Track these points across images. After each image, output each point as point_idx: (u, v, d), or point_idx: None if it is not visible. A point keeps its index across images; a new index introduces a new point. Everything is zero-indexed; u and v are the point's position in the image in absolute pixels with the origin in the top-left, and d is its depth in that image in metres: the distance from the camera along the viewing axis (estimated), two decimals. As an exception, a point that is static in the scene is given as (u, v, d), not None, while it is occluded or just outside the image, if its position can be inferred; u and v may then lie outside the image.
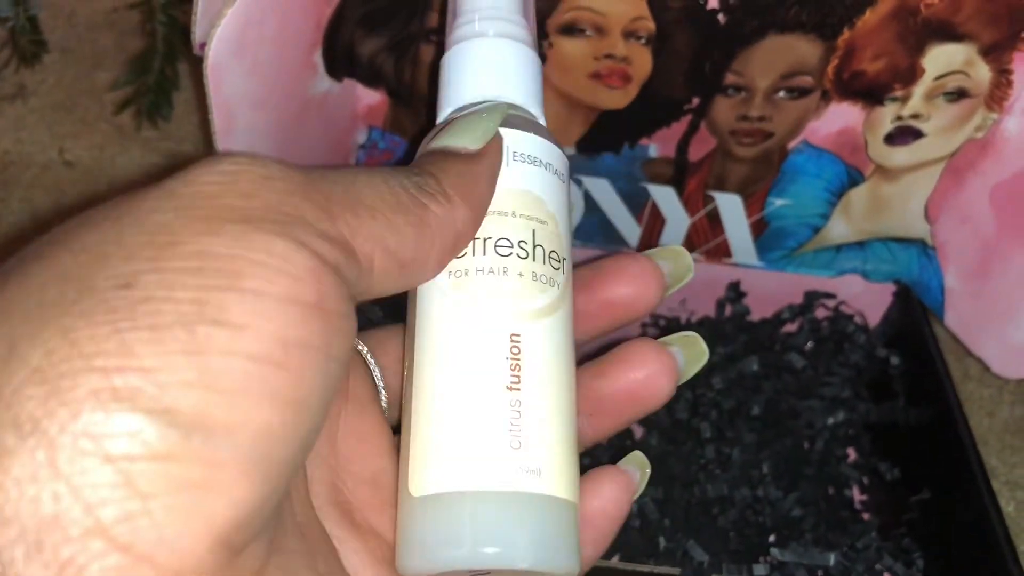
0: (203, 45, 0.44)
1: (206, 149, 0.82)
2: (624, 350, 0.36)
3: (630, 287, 0.37)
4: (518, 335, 0.32)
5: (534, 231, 0.33)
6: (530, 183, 0.34)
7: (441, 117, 0.37)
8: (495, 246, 0.33)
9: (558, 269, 0.34)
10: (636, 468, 0.37)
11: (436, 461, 0.30)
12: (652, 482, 0.56)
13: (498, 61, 0.36)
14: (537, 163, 0.35)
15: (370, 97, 0.56)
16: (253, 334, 0.23)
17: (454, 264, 0.33)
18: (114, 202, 0.27)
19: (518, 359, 0.31)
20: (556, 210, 0.35)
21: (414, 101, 0.56)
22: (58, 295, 0.22)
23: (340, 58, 0.53)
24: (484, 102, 0.36)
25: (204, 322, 0.22)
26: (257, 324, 0.23)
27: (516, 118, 0.35)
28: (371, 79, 0.55)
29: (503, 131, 0.34)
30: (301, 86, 0.51)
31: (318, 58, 0.51)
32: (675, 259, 0.38)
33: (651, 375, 0.36)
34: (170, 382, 0.21)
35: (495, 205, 0.33)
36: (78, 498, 0.20)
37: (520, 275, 0.32)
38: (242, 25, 0.44)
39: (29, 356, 0.21)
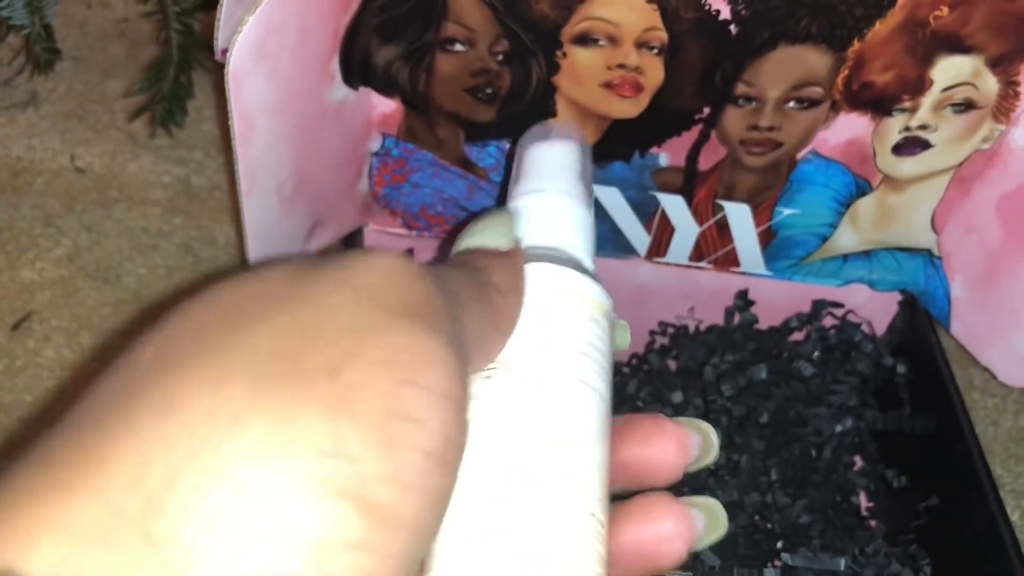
0: (225, 51, 0.45)
1: (219, 158, 0.83)
2: (644, 503, 0.35)
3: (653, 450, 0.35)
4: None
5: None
6: (600, 342, 0.35)
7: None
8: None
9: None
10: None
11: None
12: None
13: (560, 215, 0.40)
14: (606, 323, 0.36)
15: (385, 105, 0.57)
16: (428, 430, 0.24)
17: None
18: (274, 279, 0.27)
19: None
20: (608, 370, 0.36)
21: (428, 110, 0.57)
22: (276, 373, 0.23)
23: (356, 66, 0.53)
24: (543, 248, 0.37)
25: (397, 416, 0.23)
26: (430, 420, 0.24)
27: (597, 279, 0.38)
28: (386, 87, 0.56)
29: (590, 283, 0.37)
30: (318, 93, 0.52)
31: (335, 66, 0.52)
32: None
33: (666, 536, 0.34)
34: (370, 473, 0.23)
35: (580, 347, 0.34)
36: None
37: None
38: (263, 32, 0.45)
39: (252, 430, 0.22)
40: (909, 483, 0.59)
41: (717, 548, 0.53)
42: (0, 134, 0.83)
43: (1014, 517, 0.67)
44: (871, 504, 0.62)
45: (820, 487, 0.58)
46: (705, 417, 0.58)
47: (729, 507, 0.55)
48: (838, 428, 0.59)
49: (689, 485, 0.56)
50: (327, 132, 0.54)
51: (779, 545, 0.56)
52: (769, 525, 0.56)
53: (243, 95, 0.46)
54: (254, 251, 0.52)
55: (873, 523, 0.61)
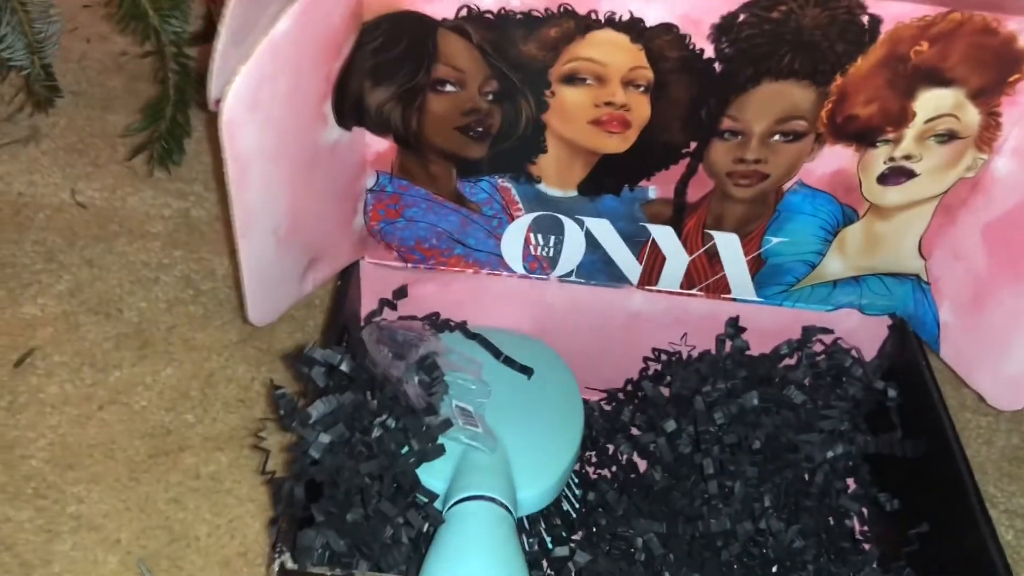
0: (218, 101, 0.46)
1: (218, 190, 0.84)
2: None
3: None
4: None
5: None
6: None
7: None
8: None
9: None
10: None
11: None
12: (656, 517, 0.57)
13: None
14: None
15: (378, 143, 0.58)
16: None
17: None
18: None
19: None
20: None
21: (421, 148, 0.58)
22: None
23: (349, 108, 0.54)
24: None
25: None
26: None
27: None
28: (379, 127, 0.57)
29: None
30: (312, 136, 0.53)
31: (328, 109, 0.53)
32: None
33: None
34: None
35: None
36: None
37: None
38: (256, 81, 0.46)
39: None
40: (902, 506, 0.60)
41: (712, 575, 0.54)
42: (1, 171, 0.84)
43: (1008, 537, 0.68)
44: (864, 528, 0.63)
45: (813, 512, 0.58)
46: (696, 446, 0.59)
47: (723, 535, 0.56)
48: (830, 454, 0.60)
49: (684, 514, 0.57)
50: (321, 173, 0.55)
51: (774, 570, 0.56)
52: (764, 551, 0.56)
53: (237, 143, 0.47)
54: (251, 292, 0.53)
55: (867, 546, 0.61)
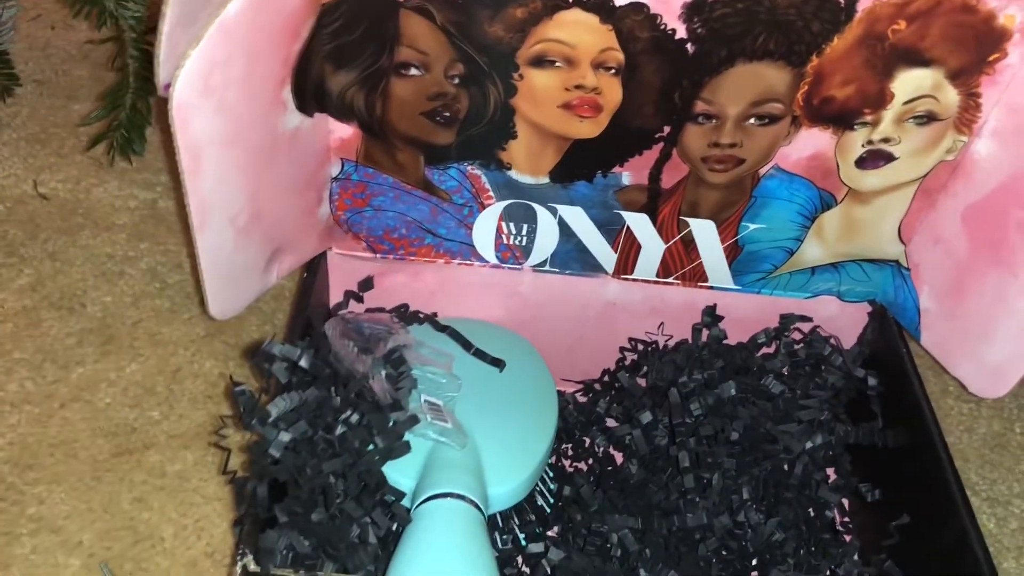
0: (168, 86, 0.44)
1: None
2: None
3: None
4: None
5: None
6: None
7: None
8: None
9: None
10: None
11: None
12: (631, 511, 0.56)
13: None
14: None
15: (342, 130, 0.56)
16: None
17: None
18: None
19: None
20: None
21: (386, 135, 0.56)
22: None
23: (310, 94, 0.53)
24: None
25: None
26: None
27: None
28: (342, 113, 0.55)
29: None
30: (271, 123, 0.51)
31: (287, 94, 0.51)
32: None
33: None
34: None
35: None
36: None
37: None
38: (208, 66, 0.44)
39: None
40: (883, 496, 0.59)
41: (688, 572, 0.52)
42: (-39, 162, 0.82)
43: (990, 525, 0.67)
44: (845, 518, 0.62)
45: (793, 504, 0.57)
46: (672, 439, 0.57)
47: (700, 529, 0.54)
48: (809, 444, 0.58)
49: (660, 508, 0.55)
50: (281, 160, 0.53)
51: (753, 563, 0.55)
52: (743, 544, 0.55)
53: (190, 129, 0.45)
54: (211, 285, 0.52)
55: (848, 537, 0.60)
